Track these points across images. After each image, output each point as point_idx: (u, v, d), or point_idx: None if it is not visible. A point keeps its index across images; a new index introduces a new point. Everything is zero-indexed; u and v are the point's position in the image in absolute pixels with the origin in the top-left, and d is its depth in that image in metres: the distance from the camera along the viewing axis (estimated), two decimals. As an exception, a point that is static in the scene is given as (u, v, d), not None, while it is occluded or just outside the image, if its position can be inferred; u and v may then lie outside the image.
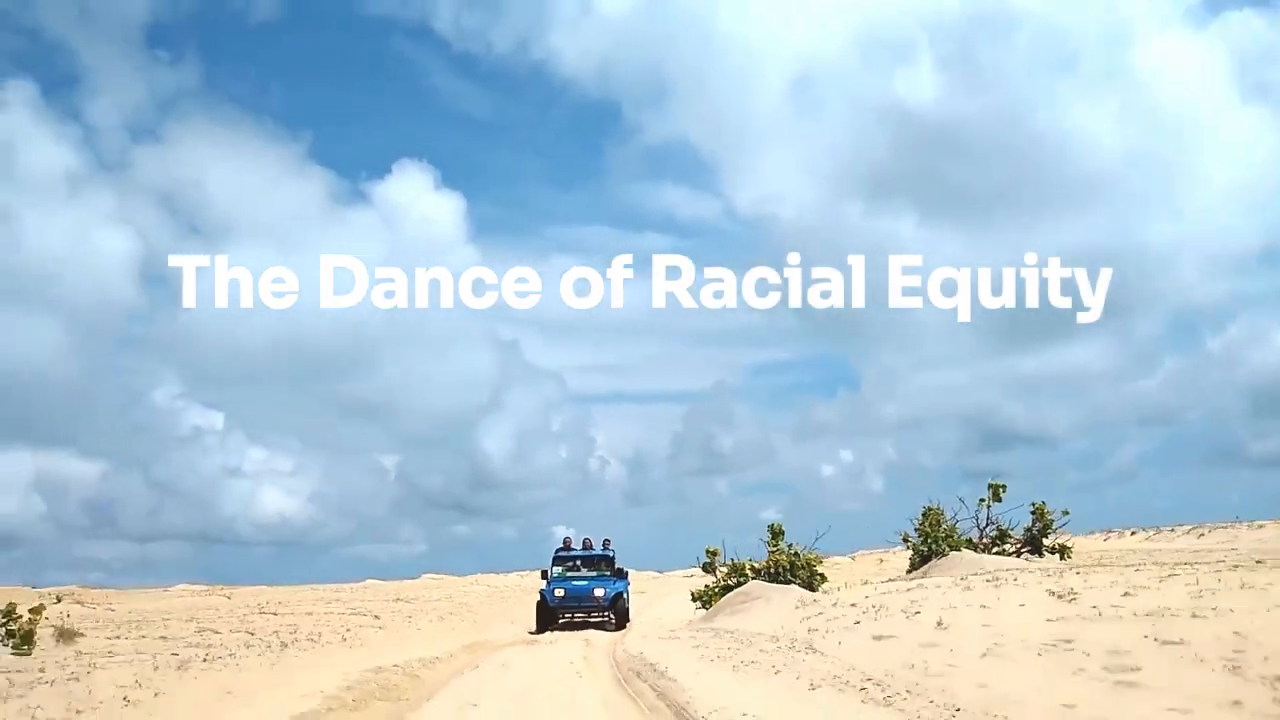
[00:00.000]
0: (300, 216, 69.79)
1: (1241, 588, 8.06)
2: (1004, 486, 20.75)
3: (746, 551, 20.84)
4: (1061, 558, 19.46)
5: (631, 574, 22.90)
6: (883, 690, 7.59)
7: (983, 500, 20.59)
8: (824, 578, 19.72)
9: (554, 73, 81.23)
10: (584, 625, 19.76)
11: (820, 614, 12.25)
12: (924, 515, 20.08)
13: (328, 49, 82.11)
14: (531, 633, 19.55)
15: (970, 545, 19.63)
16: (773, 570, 19.36)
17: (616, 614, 20.11)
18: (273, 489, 61.17)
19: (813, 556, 19.68)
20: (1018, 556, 19.24)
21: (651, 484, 69.38)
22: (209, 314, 63.57)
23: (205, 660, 11.03)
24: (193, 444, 60.65)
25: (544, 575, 21.02)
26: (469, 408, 68.57)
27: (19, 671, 9.43)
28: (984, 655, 7.95)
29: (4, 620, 13.63)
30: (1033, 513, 20.22)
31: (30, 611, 14.14)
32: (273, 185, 70.53)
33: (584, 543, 22.03)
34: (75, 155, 65.21)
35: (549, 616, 20.08)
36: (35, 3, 67.31)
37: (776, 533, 20.19)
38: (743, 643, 11.52)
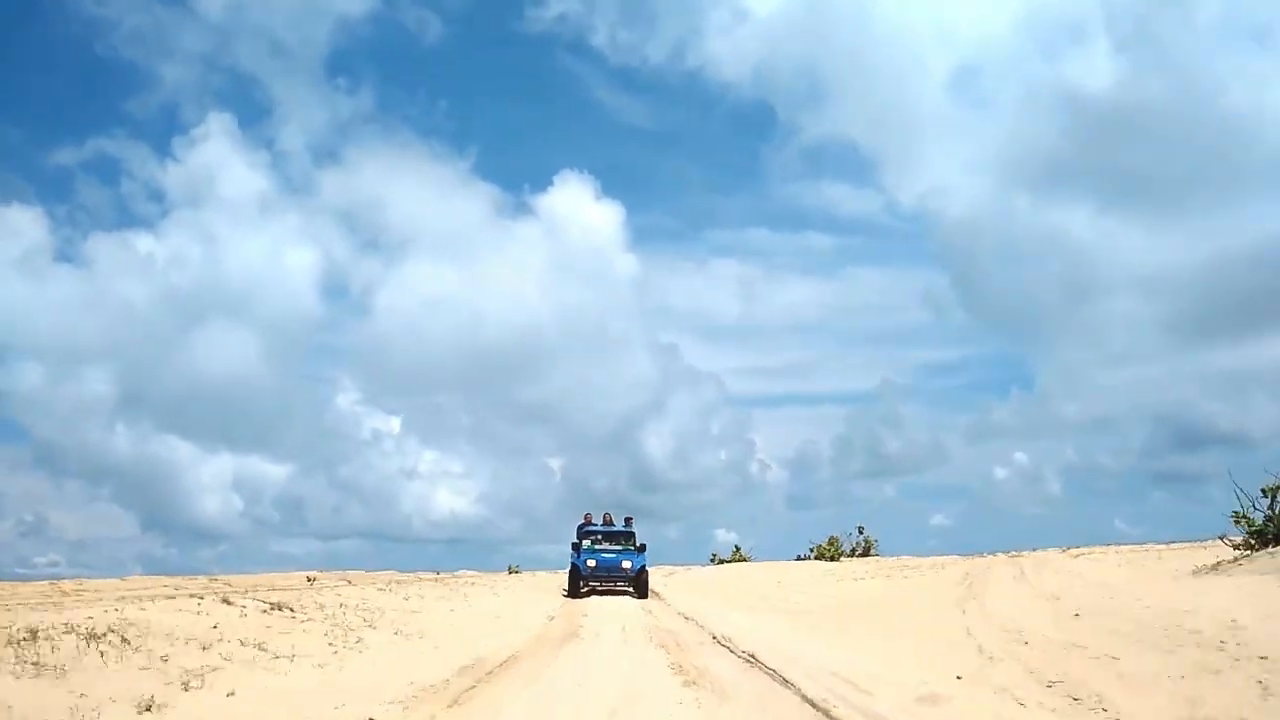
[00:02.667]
0: (469, 229, 76.16)
1: None
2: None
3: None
4: None
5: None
6: None
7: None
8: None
9: (710, 79, 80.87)
10: (609, 592, 21.66)
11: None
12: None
13: (491, 68, 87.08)
14: (565, 594, 21.79)
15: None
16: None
17: (640, 584, 21.85)
18: (445, 489, 64.11)
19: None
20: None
21: (814, 486, 67.54)
22: (387, 324, 69.46)
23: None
24: (372, 447, 65.14)
25: (574, 547, 22.95)
26: (632, 411, 69.31)
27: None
28: None
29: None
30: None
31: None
32: (443, 201, 76.78)
33: (604, 518, 23.85)
34: (267, 180, 72.39)
35: (580, 583, 22.02)
36: (232, 42, 73.87)
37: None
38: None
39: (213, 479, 60.14)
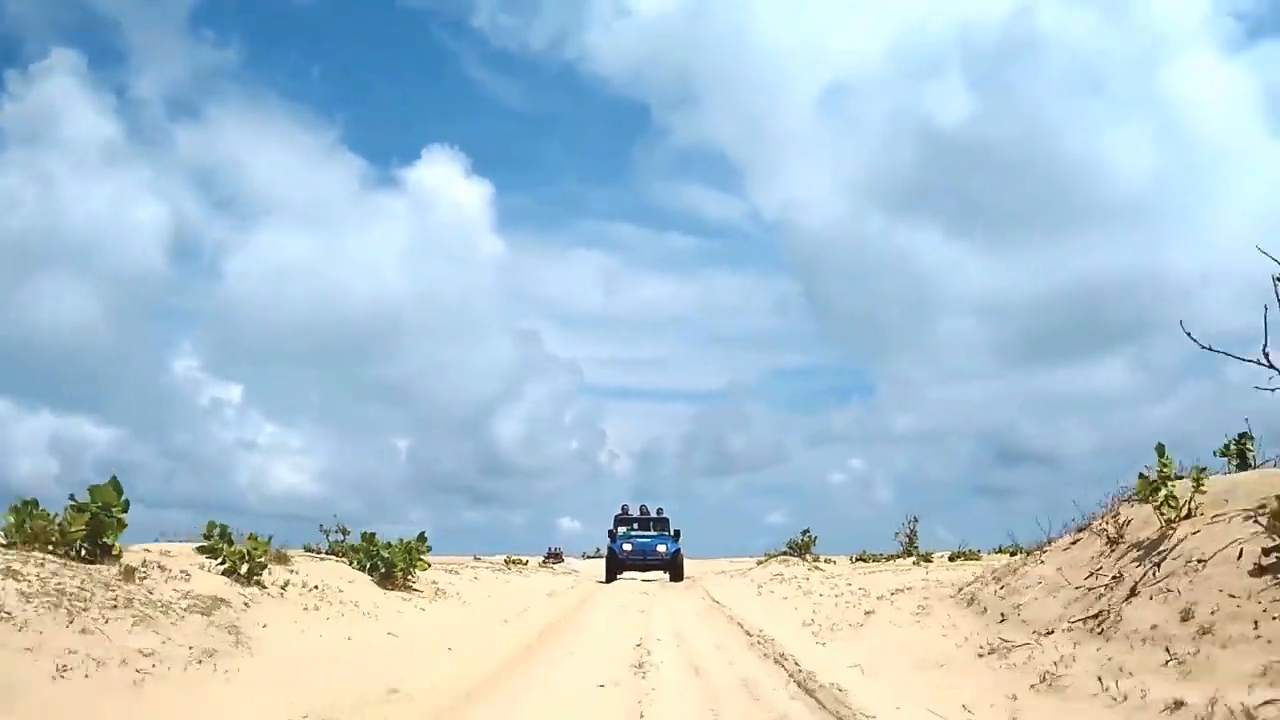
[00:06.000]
0: (332, 199, 75.50)
1: None
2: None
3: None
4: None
5: None
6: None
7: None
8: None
9: (587, 71, 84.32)
10: (645, 579, 21.50)
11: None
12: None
13: (368, 37, 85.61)
14: (600, 582, 21.29)
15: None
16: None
17: (675, 568, 22.16)
18: (284, 464, 62.77)
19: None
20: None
21: (659, 479, 68.38)
22: (237, 290, 64.48)
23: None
24: (211, 416, 62.34)
25: (610, 535, 23.48)
26: (486, 395, 70.04)
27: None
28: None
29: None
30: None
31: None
32: (306, 168, 75.87)
33: (641, 509, 24.66)
34: (116, 127, 68.60)
35: (617, 567, 22.27)
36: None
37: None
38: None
39: (29, 439, 54.93)
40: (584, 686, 5.98)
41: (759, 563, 22.09)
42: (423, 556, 11.99)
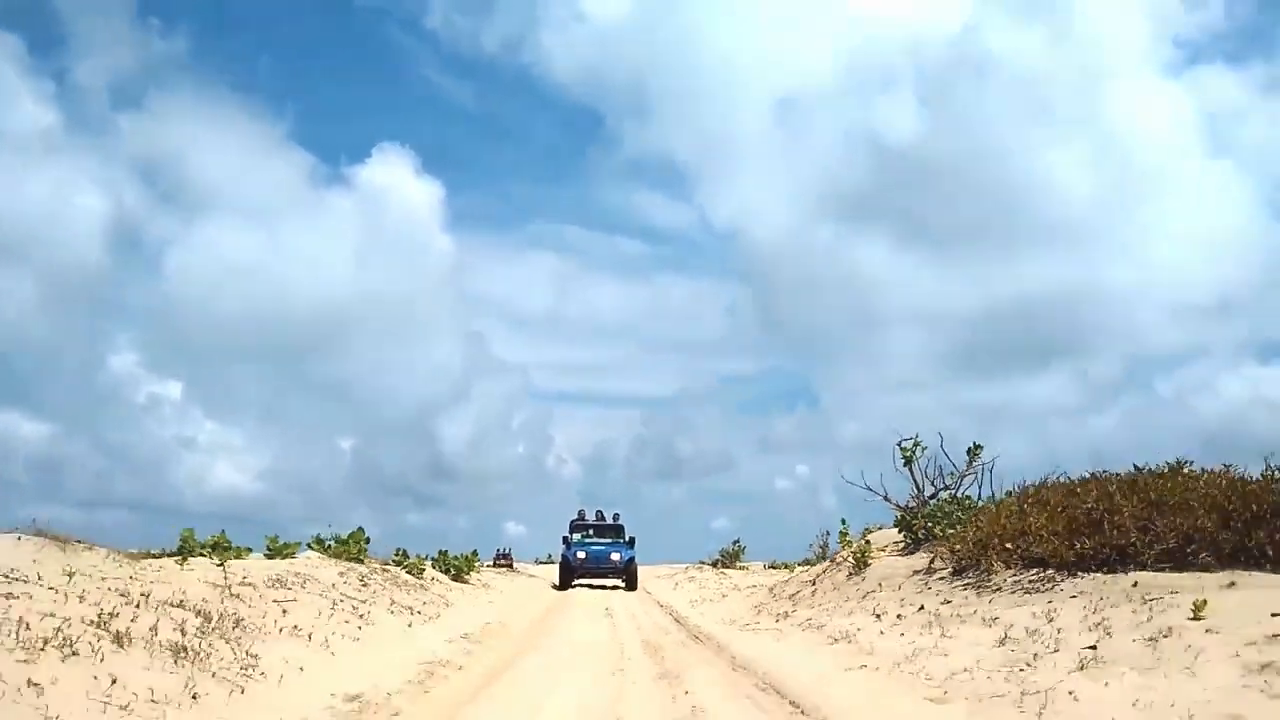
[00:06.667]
0: (279, 195, 73.51)
1: None
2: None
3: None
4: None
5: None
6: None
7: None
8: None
9: (541, 76, 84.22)
10: (600, 586, 22.58)
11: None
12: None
13: (321, 32, 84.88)
14: (555, 587, 22.50)
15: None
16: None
17: (629, 576, 22.28)
18: (225, 463, 60.30)
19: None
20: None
21: (607, 484, 68.46)
22: (179, 285, 63.70)
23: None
24: (149, 413, 60.07)
25: (565, 542, 23.64)
26: (433, 396, 68.25)
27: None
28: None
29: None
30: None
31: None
32: (254, 162, 74.07)
33: (596, 514, 24.80)
34: (56, 115, 65.35)
35: (570, 574, 22.58)
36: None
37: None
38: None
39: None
40: (583, 619, 14.16)
41: (685, 569, 30.07)
42: (474, 563, 20.09)
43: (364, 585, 12.31)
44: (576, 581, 22.68)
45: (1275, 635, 5.61)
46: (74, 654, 5.23)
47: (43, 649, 5.07)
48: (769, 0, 77.30)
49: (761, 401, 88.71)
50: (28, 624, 5.36)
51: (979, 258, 70.13)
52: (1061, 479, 11.27)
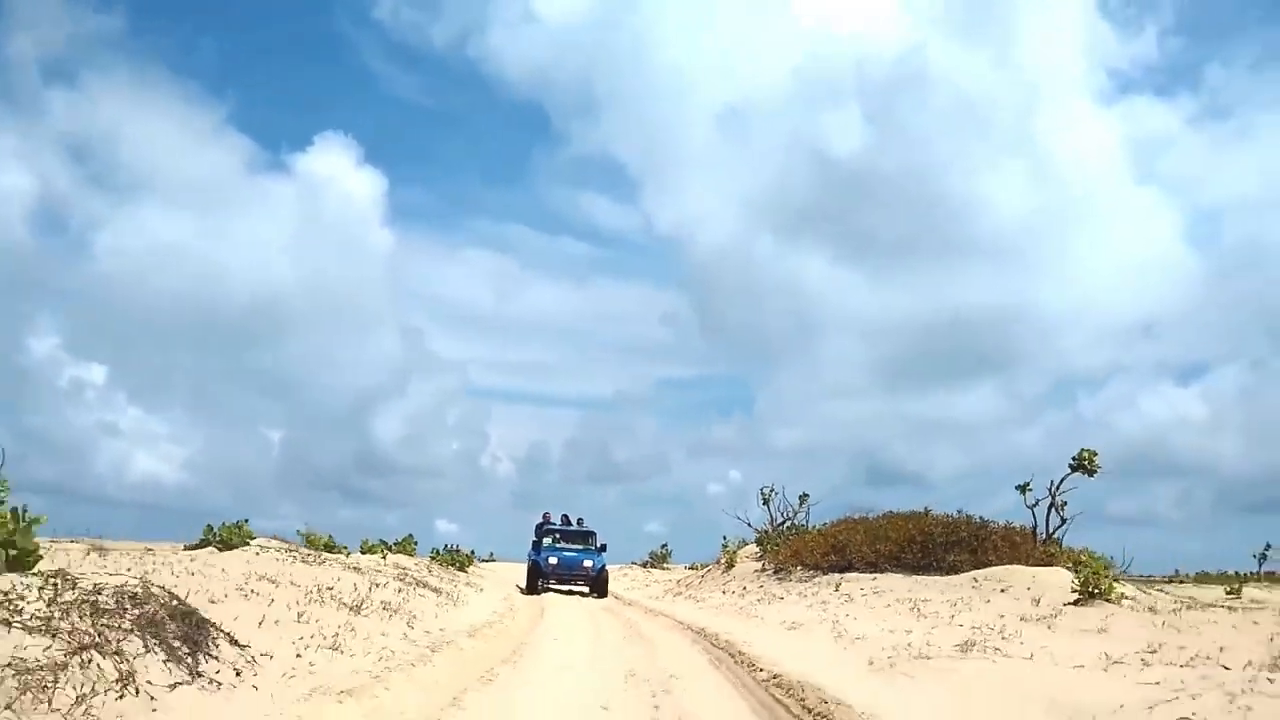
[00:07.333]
0: (215, 181, 71.67)
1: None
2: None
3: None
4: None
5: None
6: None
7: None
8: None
9: (489, 72, 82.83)
10: (569, 592, 22.35)
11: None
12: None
13: (265, 16, 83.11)
14: (522, 591, 22.19)
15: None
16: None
17: (599, 584, 22.23)
18: (148, 451, 59.50)
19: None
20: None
21: (541, 485, 66.68)
22: (107, 268, 62.90)
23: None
24: (71, 397, 58.22)
25: (534, 545, 23.51)
26: (366, 390, 66.84)
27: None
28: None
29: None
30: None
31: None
32: (190, 146, 72.45)
33: (563, 519, 24.75)
34: None
35: (540, 579, 22.23)
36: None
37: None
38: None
39: None
40: (565, 600, 22.31)
41: (620, 568, 38.32)
42: (473, 557, 28.19)
43: (429, 573, 20.36)
44: (543, 587, 22.22)
45: (845, 592, 14.36)
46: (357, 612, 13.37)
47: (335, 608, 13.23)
48: (720, 9, 78.70)
49: (698, 407, 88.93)
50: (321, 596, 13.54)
51: (916, 271, 71.02)
52: (846, 518, 20.10)
